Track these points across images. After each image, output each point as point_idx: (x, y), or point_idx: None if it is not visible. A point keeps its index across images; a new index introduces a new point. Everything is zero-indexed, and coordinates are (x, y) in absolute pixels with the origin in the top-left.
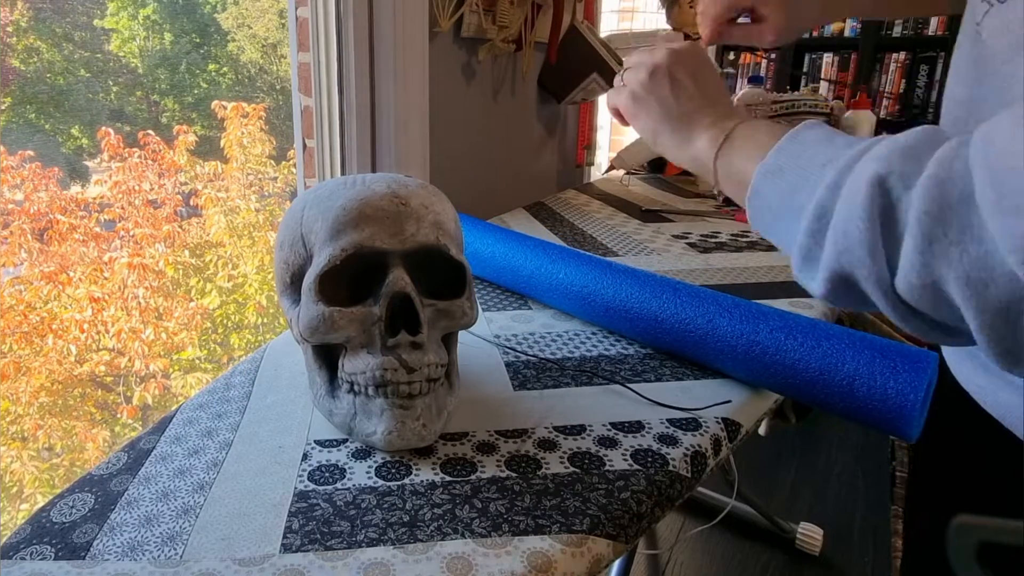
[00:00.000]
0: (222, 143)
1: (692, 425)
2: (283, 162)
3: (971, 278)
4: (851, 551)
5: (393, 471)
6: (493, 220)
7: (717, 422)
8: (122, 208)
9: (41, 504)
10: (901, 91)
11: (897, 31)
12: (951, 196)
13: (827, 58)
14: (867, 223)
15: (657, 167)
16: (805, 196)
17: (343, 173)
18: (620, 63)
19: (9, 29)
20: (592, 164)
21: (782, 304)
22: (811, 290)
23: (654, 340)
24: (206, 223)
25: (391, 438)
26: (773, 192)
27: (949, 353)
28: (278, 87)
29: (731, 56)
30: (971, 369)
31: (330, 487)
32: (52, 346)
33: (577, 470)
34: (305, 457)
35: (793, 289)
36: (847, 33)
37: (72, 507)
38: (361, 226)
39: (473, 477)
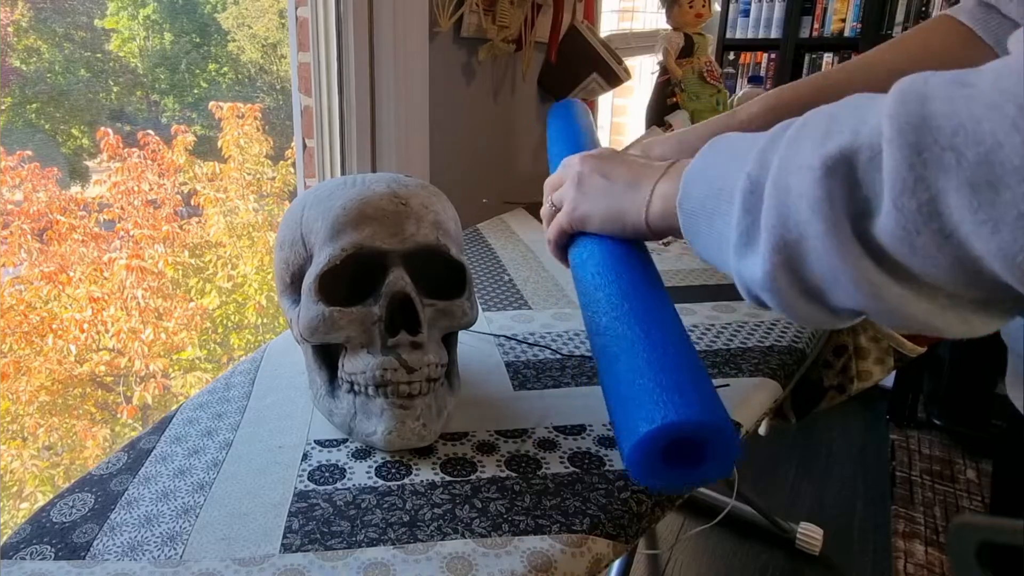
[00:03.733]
0: (219, 143)
1: None
2: (281, 162)
3: (975, 184)
4: (851, 551)
5: (393, 471)
6: (493, 220)
7: None
8: (121, 208)
9: (41, 504)
10: None
11: (897, 31)
12: (930, 106)
13: (827, 58)
14: (816, 172)
15: None
16: (733, 178)
17: (343, 173)
18: (620, 63)
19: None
20: None
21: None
22: (750, 279)
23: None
24: (206, 223)
25: (391, 438)
26: (701, 187)
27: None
28: (278, 87)
29: (731, 56)
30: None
31: (330, 487)
32: (52, 346)
33: (577, 470)
34: (305, 457)
35: None
36: (847, 33)
37: (72, 507)
38: (361, 226)
39: (473, 477)
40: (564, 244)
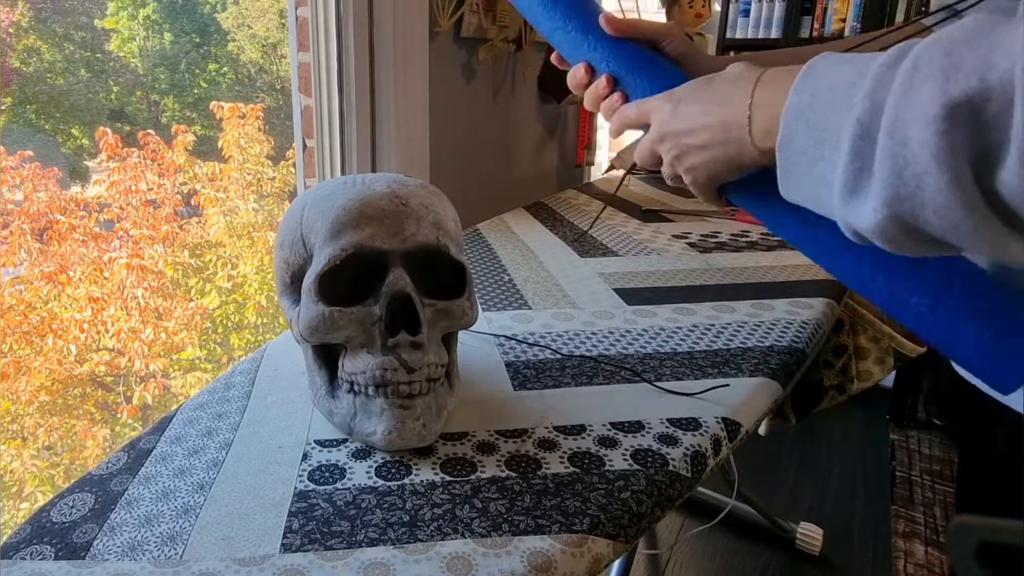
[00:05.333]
0: (220, 143)
1: (692, 425)
2: (281, 162)
3: None
4: (851, 551)
5: (393, 471)
6: (493, 220)
7: (717, 422)
8: (120, 208)
9: (41, 504)
10: None
11: (994, 18)
12: None
13: None
14: (939, 122)
15: None
16: (838, 121)
17: (343, 173)
18: None
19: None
20: (592, 164)
21: (782, 304)
22: (858, 225)
23: None
24: (206, 223)
25: (391, 438)
26: (802, 131)
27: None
28: (278, 87)
29: (731, 55)
30: None
31: (330, 487)
32: (52, 346)
33: (577, 470)
34: (305, 457)
35: (793, 289)
36: (847, 33)
37: (72, 507)
38: (361, 226)
39: (473, 477)
40: (718, 194)
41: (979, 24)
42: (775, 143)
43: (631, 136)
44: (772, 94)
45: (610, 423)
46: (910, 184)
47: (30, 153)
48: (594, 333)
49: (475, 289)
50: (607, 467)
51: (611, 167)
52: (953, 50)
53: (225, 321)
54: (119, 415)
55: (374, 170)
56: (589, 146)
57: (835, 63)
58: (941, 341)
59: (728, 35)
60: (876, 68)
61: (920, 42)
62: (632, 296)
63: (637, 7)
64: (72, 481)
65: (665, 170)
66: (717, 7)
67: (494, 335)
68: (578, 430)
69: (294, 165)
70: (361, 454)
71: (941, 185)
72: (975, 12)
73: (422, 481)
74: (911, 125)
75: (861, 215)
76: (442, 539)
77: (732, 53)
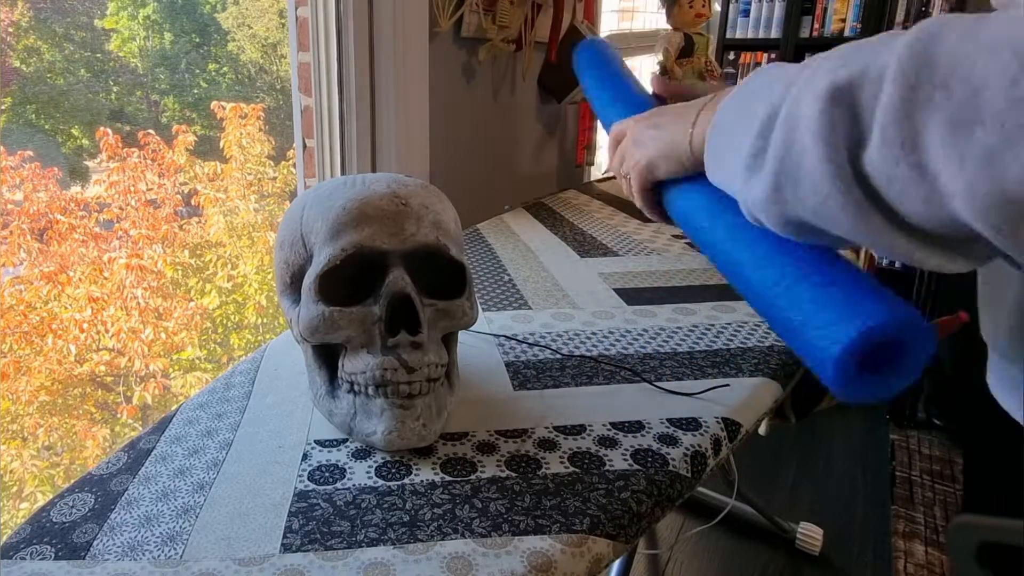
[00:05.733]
0: (221, 143)
1: (692, 425)
2: (282, 162)
3: (955, 121)
4: (851, 551)
5: (393, 471)
6: (493, 220)
7: (717, 422)
8: (120, 208)
9: (41, 504)
10: None
11: (898, 31)
12: (937, 46)
13: None
14: (822, 101)
15: None
16: (759, 105)
17: (343, 173)
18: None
19: (10, 29)
20: (592, 164)
21: None
22: (752, 200)
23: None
24: (206, 223)
25: (391, 438)
26: (731, 112)
27: (995, 384)
28: (278, 87)
29: (731, 56)
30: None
31: (330, 487)
32: (52, 346)
33: (577, 470)
34: (305, 457)
35: None
36: (847, 33)
37: (72, 507)
38: (361, 226)
39: (473, 477)
40: (654, 201)
41: (899, 32)
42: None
43: None
44: (713, 112)
45: (610, 423)
46: (793, 160)
47: (30, 153)
48: (594, 333)
49: (475, 289)
50: (607, 467)
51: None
52: (859, 47)
53: (225, 321)
54: (119, 415)
55: (374, 170)
56: (589, 146)
57: (781, 65)
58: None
59: (728, 35)
60: (807, 61)
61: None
62: (632, 296)
63: (635, 7)
64: (72, 481)
65: (615, 168)
66: (717, 7)
67: (494, 335)
68: (578, 430)
69: (294, 165)
70: (361, 454)
71: (816, 160)
72: None
73: (422, 481)
74: (803, 106)
75: (755, 189)
76: (442, 539)
77: (732, 53)
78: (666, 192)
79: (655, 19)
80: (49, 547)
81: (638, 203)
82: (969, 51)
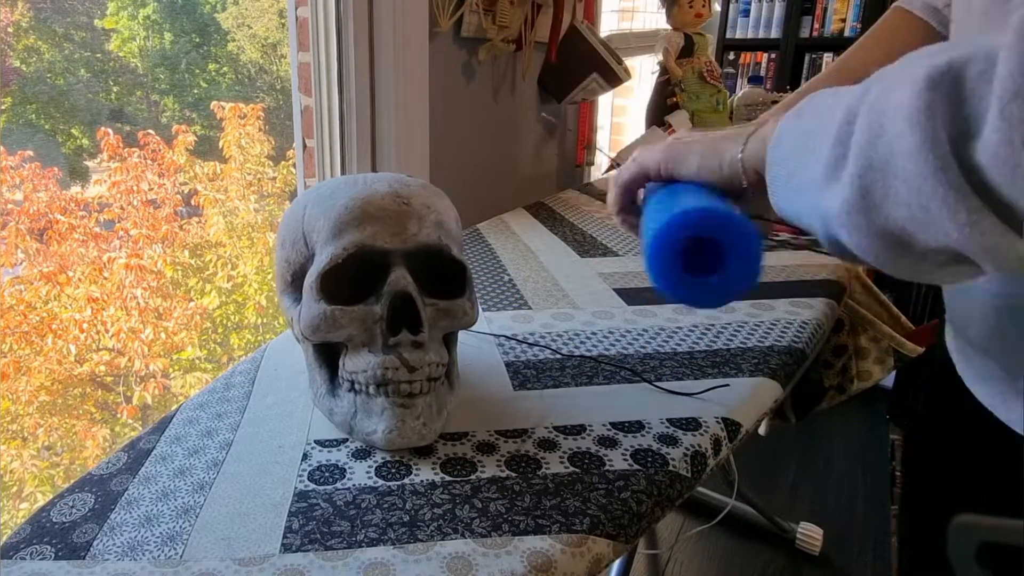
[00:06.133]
0: (221, 143)
1: (692, 425)
2: (282, 162)
3: None
4: (851, 551)
5: (393, 471)
6: (493, 220)
7: (717, 422)
8: (121, 208)
9: (41, 504)
10: None
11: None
12: None
13: (827, 58)
14: (918, 85)
15: None
16: (829, 115)
17: (343, 173)
18: (620, 63)
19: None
20: (592, 164)
21: (782, 304)
22: (828, 214)
23: None
24: (206, 223)
25: (392, 437)
26: (794, 132)
27: (963, 369)
28: (278, 87)
29: (731, 56)
30: (988, 385)
31: (330, 487)
32: (52, 346)
33: (577, 470)
34: (305, 457)
35: (793, 289)
36: (847, 33)
37: (72, 507)
38: (363, 225)
39: (473, 477)
40: (630, 196)
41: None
42: (762, 163)
43: (631, 136)
44: (768, 133)
45: (610, 423)
46: (882, 150)
47: (30, 153)
48: (594, 333)
49: (475, 289)
50: (607, 467)
51: (611, 167)
52: (943, 45)
53: (225, 321)
54: (119, 415)
55: (374, 170)
56: (589, 146)
57: (845, 87)
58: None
59: (728, 35)
60: (878, 71)
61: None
62: (632, 296)
63: (635, 7)
64: (72, 481)
65: (648, 159)
66: (717, 7)
67: (494, 335)
68: (578, 430)
69: (294, 165)
70: (361, 454)
71: (912, 148)
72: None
73: (422, 481)
74: (892, 94)
75: (834, 198)
76: (442, 539)
77: (732, 53)
78: (651, 195)
79: (655, 19)
80: (49, 547)
81: (614, 194)
82: None
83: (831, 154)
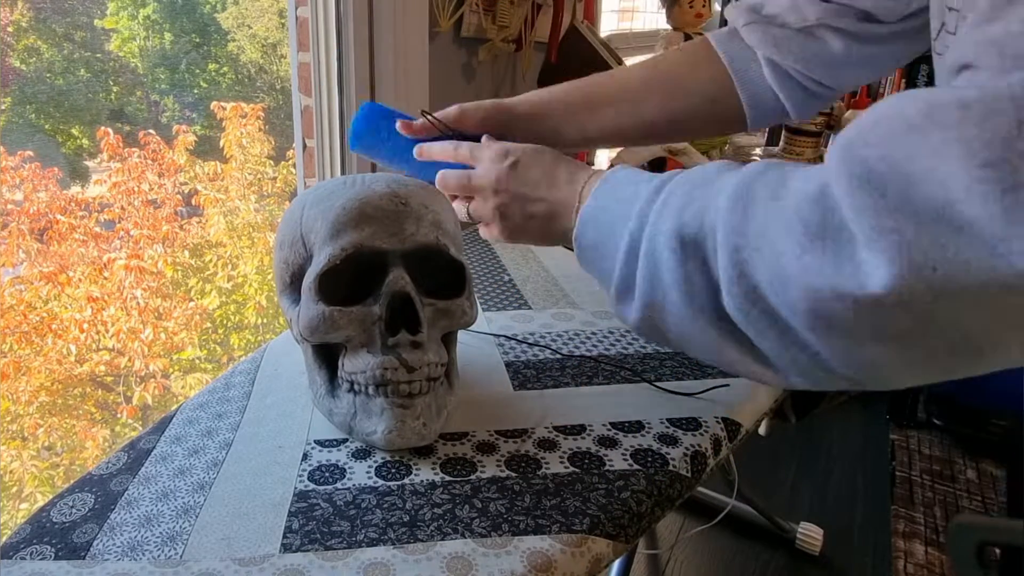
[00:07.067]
0: (221, 143)
1: (692, 425)
2: (282, 162)
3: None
4: (851, 551)
5: (393, 471)
6: None
7: (717, 422)
8: (122, 208)
9: (41, 504)
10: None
11: (726, 165)
12: (749, 212)
13: None
14: (677, 252)
15: (657, 167)
16: (618, 230)
17: (343, 173)
18: (620, 63)
19: (9, 29)
20: (591, 164)
21: None
22: (625, 320)
23: None
24: (206, 223)
25: (391, 437)
26: (592, 231)
27: None
28: (278, 87)
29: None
30: None
31: (330, 487)
32: (52, 346)
33: (577, 470)
34: (305, 457)
35: None
36: None
37: (72, 507)
38: (361, 226)
39: (473, 477)
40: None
41: (722, 168)
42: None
43: None
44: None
45: (610, 423)
46: (659, 296)
47: (30, 153)
48: (594, 333)
49: (475, 289)
50: (607, 467)
51: (610, 167)
52: (693, 190)
53: (225, 321)
54: (119, 415)
55: (374, 170)
56: None
57: (624, 178)
58: None
59: None
60: (653, 185)
61: (680, 174)
62: None
63: (635, 7)
64: (72, 481)
65: (480, 212)
66: (717, 7)
67: (494, 335)
68: (578, 430)
69: (294, 165)
70: (361, 454)
71: (676, 302)
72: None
73: (422, 481)
74: (661, 249)
75: (628, 313)
76: (442, 539)
77: None
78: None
79: (655, 19)
80: (49, 547)
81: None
82: (769, 221)
83: (621, 271)
